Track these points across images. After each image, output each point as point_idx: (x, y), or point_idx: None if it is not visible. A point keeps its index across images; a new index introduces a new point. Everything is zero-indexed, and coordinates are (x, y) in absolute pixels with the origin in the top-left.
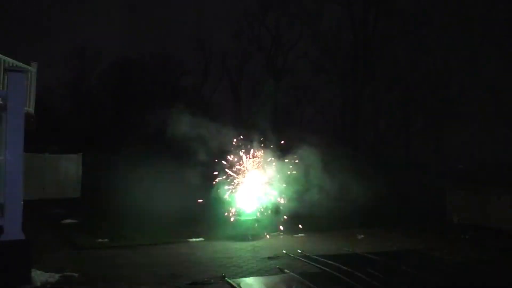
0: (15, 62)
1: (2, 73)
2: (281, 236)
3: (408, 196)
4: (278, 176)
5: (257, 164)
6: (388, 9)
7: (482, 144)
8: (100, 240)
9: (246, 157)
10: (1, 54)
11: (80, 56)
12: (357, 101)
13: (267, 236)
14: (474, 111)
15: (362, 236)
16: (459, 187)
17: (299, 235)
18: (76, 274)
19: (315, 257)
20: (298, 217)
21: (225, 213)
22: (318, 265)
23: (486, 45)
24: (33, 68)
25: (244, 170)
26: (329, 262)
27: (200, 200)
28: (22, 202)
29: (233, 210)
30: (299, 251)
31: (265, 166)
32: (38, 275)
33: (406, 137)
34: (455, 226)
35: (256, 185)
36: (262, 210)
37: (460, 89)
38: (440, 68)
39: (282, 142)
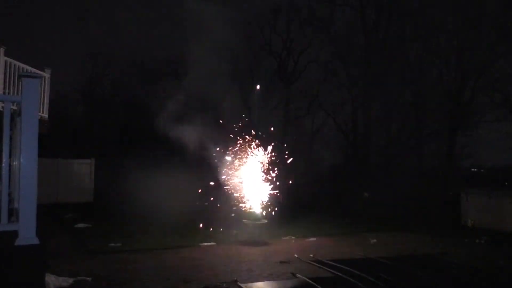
0: (30, 68)
1: (16, 78)
2: (293, 240)
3: (421, 200)
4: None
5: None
6: (400, 12)
7: (496, 147)
8: (112, 244)
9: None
10: (16, 60)
11: (93, 62)
12: (368, 105)
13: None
14: (488, 114)
15: (375, 240)
16: (473, 190)
17: (311, 239)
18: (89, 279)
19: (327, 261)
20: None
21: (236, 216)
22: (330, 270)
23: (501, 48)
24: (46, 74)
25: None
26: (341, 266)
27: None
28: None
29: (244, 213)
30: (311, 255)
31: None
32: (52, 280)
33: (419, 141)
34: (470, 230)
35: (265, 188)
36: (272, 213)
37: (474, 91)
38: (453, 70)
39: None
